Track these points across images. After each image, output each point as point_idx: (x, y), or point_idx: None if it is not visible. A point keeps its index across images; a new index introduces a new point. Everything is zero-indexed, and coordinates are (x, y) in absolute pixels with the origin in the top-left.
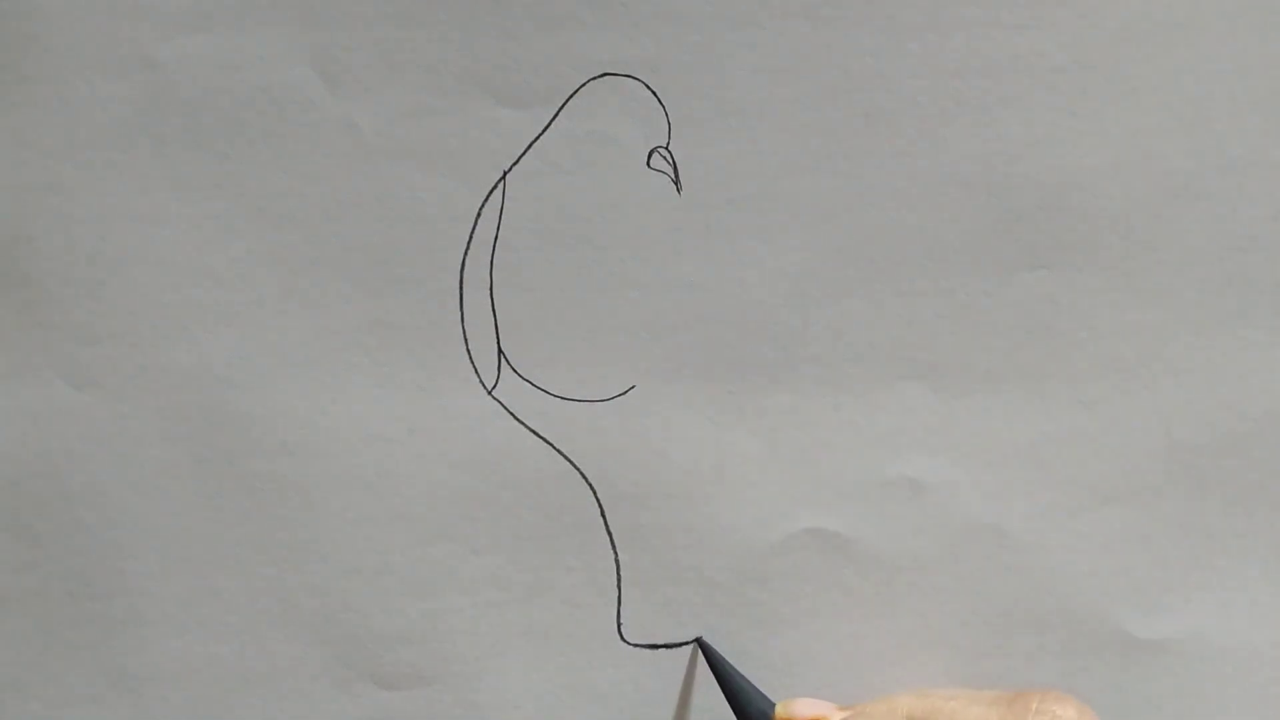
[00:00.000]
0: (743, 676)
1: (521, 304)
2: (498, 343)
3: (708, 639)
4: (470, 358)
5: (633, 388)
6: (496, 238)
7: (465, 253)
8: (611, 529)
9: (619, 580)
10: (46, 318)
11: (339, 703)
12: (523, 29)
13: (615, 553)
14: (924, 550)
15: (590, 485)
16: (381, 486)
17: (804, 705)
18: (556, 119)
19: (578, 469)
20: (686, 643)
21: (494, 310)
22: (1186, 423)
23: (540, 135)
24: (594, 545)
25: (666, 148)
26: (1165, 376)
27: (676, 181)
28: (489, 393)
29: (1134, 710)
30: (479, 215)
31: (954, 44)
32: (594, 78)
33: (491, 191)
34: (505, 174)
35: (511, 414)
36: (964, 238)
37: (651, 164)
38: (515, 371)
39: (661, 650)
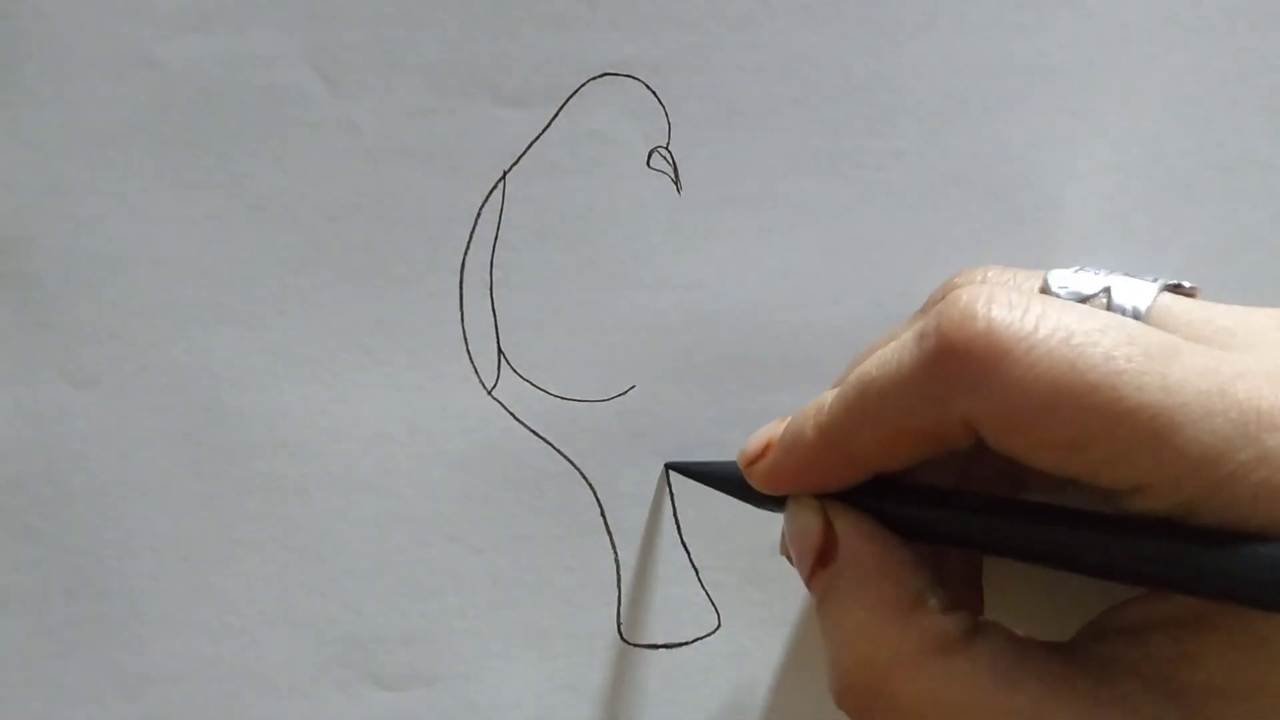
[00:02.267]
0: (721, 463)
1: (521, 304)
2: (498, 343)
3: (707, 640)
4: (470, 358)
5: (633, 388)
6: (496, 238)
7: (465, 253)
8: (611, 529)
9: (619, 580)
10: (46, 318)
11: (339, 703)
12: (523, 29)
13: (615, 553)
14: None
15: (590, 485)
16: (381, 486)
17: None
18: (556, 119)
19: (578, 469)
20: (686, 643)
21: (494, 310)
22: None
23: (540, 135)
24: (594, 545)
25: (666, 148)
26: None
27: (676, 181)
28: (489, 393)
29: None
30: (479, 215)
31: (954, 44)
32: (594, 78)
33: (491, 191)
34: (505, 174)
35: (511, 414)
36: (964, 238)
37: (651, 164)
38: (515, 371)
39: (661, 650)
